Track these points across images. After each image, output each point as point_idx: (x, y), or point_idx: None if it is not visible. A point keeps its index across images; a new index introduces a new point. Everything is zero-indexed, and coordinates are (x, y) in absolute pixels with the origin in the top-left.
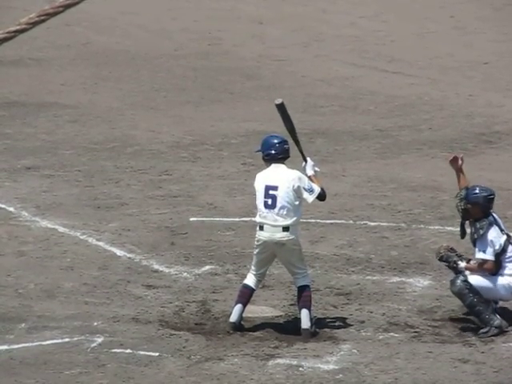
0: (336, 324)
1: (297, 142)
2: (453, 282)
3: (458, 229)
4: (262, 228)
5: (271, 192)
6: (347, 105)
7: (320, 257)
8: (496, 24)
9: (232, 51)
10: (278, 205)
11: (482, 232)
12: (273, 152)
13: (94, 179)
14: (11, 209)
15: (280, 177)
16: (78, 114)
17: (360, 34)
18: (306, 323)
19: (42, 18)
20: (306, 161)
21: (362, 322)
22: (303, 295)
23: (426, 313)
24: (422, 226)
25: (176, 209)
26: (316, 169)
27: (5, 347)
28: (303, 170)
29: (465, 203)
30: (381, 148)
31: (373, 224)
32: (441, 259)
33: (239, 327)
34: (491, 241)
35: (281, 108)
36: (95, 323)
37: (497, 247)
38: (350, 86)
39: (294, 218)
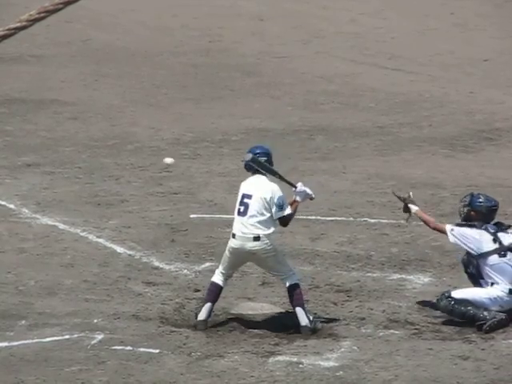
0: (336, 321)
1: (280, 178)
2: (437, 303)
3: None
4: (234, 236)
5: (245, 200)
6: (347, 102)
7: (320, 254)
8: (496, 21)
9: (232, 48)
10: (249, 213)
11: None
12: (250, 164)
13: (95, 176)
14: (11, 206)
15: (256, 187)
16: (78, 110)
17: (360, 30)
18: (303, 320)
19: (42, 14)
20: (295, 187)
21: (362, 318)
22: (294, 294)
23: (426, 310)
24: (423, 222)
25: (176, 206)
26: (308, 192)
27: (5, 344)
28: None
29: (468, 210)
30: (381, 145)
31: (373, 221)
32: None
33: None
34: (466, 234)
35: (254, 161)
36: (95, 320)
37: (469, 244)
38: (351, 83)
39: (266, 229)
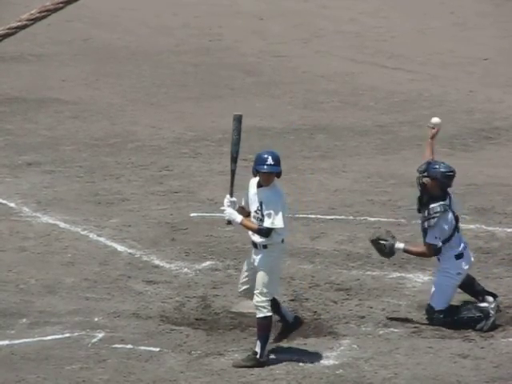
0: (336, 319)
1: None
2: (430, 321)
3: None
4: (282, 241)
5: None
6: (347, 100)
7: (320, 252)
8: (496, 20)
9: (232, 47)
10: None
11: (433, 222)
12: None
13: (95, 175)
14: (12, 204)
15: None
16: (78, 109)
17: (360, 29)
18: (292, 316)
19: (43, 13)
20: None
21: (362, 317)
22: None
23: (425, 308)
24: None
25: (176, 204)
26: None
27: (6, 342)
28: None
29: (424, 177)
30: (381, 144)
31: (373, 219)
32: (377, 239)
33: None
34: (444, 228)
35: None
36: (96, 318)
37: (447, 234)
38: (351, 82)
39: None
